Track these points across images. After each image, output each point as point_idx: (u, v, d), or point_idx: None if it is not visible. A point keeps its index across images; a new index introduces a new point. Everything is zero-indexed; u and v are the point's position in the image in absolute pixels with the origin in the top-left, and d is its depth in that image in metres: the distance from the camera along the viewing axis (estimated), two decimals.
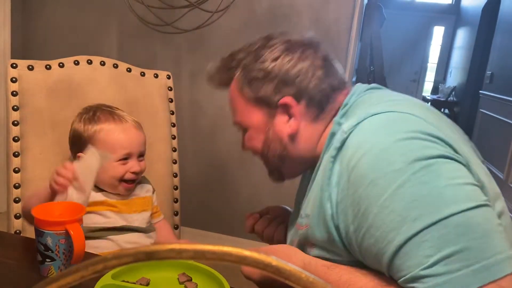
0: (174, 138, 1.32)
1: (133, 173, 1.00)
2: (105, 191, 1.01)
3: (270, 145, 0.82)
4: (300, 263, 0.71)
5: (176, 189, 1.31)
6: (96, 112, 1.01)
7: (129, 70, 1.27)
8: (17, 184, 1.06)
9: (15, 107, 1.08)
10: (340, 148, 0.68)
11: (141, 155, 1.04)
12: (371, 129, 0.66)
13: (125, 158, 1.00)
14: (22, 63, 1.11)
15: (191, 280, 0.75)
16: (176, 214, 1.31)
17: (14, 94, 1.08)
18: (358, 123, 0.68)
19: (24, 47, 2.42)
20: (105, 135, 0.98)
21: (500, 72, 3.93)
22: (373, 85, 0.82)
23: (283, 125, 0.80)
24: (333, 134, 0.73)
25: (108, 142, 0.98)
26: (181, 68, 2.25)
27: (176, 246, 0.23)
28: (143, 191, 1.08)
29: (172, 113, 1.32)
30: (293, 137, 0.80)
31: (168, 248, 0.23)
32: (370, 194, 0.61)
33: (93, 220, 0.97)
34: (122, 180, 1.00)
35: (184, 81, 2.25)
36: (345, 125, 0.70)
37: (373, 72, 3.29)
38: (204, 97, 2.25)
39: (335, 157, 0.68)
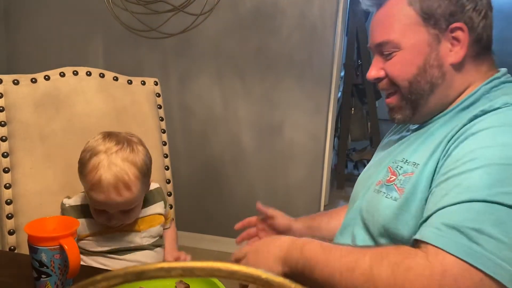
0: (165, 145, 1.32)
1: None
2: None
3: (428, 70, 0.77)
4: (285, 244, 0.73)
5: (169, 195, 1.31)
6: (91, 157, 0.91)
7: (115, 78, 1.26)
8: (8, 200, 1.06)
9: (3, 123, 1.07)
10: (478, 116, 0.70)
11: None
12: None
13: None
14: (7, 78, 1.10)
15: (188, 287, 0.75)
16: None
17: (1, 109, 1.07)
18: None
19: (9, 61, 2.40)
20: (86, 185, 0.91)
21: None
22: None
23: (447, 51, 0.77)
24: (474, 96, 0.75)
25: (87, 192, 0.92)
26: (169, 72, 2.24)
27: (165, 264, 0.23)
28: (150, 211, 1.04)
29: (162, 119, 1.32)
30: (455, 66, 0.77)
31: (157, 267, 0.23)
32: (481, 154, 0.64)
33: (100, 245, 0.97)
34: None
35: (173, 85, 2.25)
36: (499, 99, 0.71)
37: (361, 66, 3.31)
38: (193, 100, 2.25)
39: (472, 119, 0.70)
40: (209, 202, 2.35)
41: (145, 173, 0.93)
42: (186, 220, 2.33)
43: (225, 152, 2.28)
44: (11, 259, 0.94)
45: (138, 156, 0.92)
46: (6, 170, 1.06)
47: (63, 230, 0.75)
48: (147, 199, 1.04)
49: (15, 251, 1.05)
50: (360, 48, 3.22)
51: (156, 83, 1.33)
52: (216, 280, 0.73)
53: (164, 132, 1.32)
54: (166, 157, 1.31)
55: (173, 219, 1.20)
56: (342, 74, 3.16)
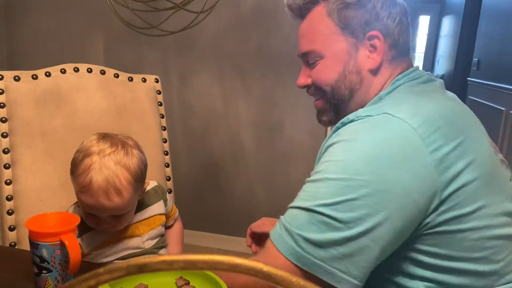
0: (165, 142, 1.32)
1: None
2: None
3: (347, 76, 0.82)
4: None
5: (170, 192, 1.31)
6: (83, 158, 0.86)
7: (116, 75, 1.26)
8: (9, 196, 1.06)
9: (4, 119, 1.07)
10: (338, 128, 0.74)
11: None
12: (364, 130, 0.70)
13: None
14: (8, 74, 1.10)
15: (188, 283, 0.75)
16: None
17: (2, 105, 1.07)
18: (370, 116, 0.71)
19: (10, 57, 2.40)
20: (76, 186, 0.87)
21: (486, 59, 3.96)
22: (426, 77, 0.83)
23: (365, 58, 0.81)
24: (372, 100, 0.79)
25: (77, 194, 0.88)
26: (170, 70, 2.24)
27: (167, 257, 0.23)
28: (148, 213, 1.01)
29: (162, 117, 1.32)
30: (372, 71, 0.82)
31: (159, 260, 0.23)
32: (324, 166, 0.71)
33: (105, 256, 0.95)
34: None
35: (173, 83, 2.25)
36: (364, 109, 0.74)
37: None
38: (194, 97, 2.25)
39: (335, 131, 0.75)
40: (209, 199, 2.35)
41: (138, 178, 0.88)
42: (185, 217, 2.32)
43: (225, 150, 2.28)
44: (11, 254, 0.94)
45: (132, 160, 0.88)
46: (6, 166, 1.06)
47: (64, 226, 0.75)
48: (144, 201, 1.00)
49: (16, 247, 1.06)
50: None
51: (156, 81, 1.33)
52: (214, 276, 0.74)
53: (164, 130, 1.32)
54: (167, 154, 1.32)
55: (177, 217, 1.16)
56: None
